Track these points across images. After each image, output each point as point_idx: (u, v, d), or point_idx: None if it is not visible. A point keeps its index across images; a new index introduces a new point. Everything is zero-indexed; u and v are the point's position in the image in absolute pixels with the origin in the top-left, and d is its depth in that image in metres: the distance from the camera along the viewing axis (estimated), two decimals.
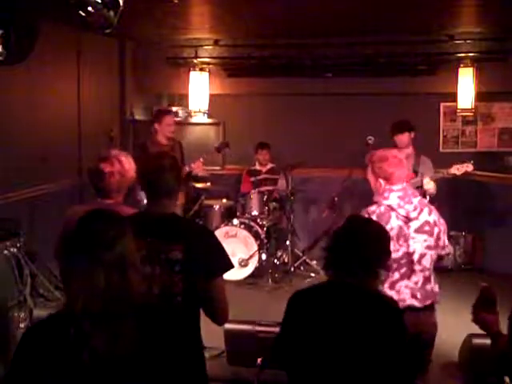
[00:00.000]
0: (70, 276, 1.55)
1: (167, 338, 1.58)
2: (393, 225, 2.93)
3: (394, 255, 2.89)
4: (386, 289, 2.92)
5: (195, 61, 6.90)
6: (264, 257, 6.20)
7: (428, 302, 2.99)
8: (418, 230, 2.95)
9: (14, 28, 3.95)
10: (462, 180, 4.80)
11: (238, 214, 6.50)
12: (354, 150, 6.36)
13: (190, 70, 6.88)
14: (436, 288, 3.06)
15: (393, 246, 2.88)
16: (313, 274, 6.28)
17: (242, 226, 6.14)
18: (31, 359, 1.53)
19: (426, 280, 2.98)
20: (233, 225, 6.17)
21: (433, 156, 5.46)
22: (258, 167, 6.96)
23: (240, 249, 5.93)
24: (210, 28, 6.31)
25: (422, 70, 6.76)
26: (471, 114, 6.75)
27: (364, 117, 6.82)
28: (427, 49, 6.58)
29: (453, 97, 6.63)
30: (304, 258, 6.55)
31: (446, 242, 3.08)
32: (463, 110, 6.62)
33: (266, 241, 6.27)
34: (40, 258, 4.98)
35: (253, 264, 5.98)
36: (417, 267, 2.94)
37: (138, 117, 7.35)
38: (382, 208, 2.97)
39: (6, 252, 4.65)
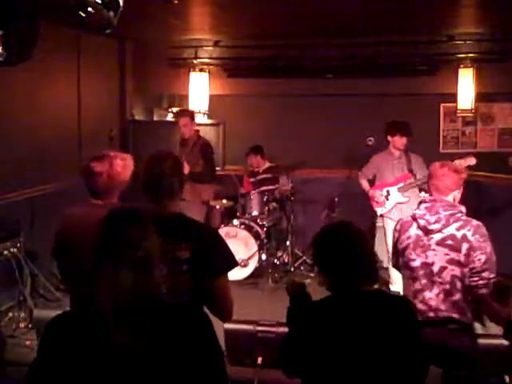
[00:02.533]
0: (97, 275, 1.53)
1: (187, 336, 1.58)
2: (411, 233, 2.94)
3: (413, 264, 2.93)
4: (410, 297, 2.88)
5: (195, 61, 6.91)
6: (264, 257, 6.20)
7: (454, 316, 2.86)
8: (440, 243, 2.88)
9: (14, 29, 3.96)
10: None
11: (238, 214, 6.50)
12: (354, 150, 6.38)
13: (190, 71, 6.89)
14: (469, 311, 2.89)
15: (410, 255, 2.93)
16: (313, 274, 6.28)
17: (242, 227, 6.14)
18: (55, 356, 1.54)
19: (448, 294, 2.86)
20: (233, 225, 6.17)
21: (433, 157, 5.44)
22: (254, 169, 6.96)
23: (240, 249, 5.93)
24: (210, 29, 6.32)
25: (422, 70, 6.76)
26: (471, 114, 6.75)
27: (364, 117, 6.82)
28: (427, 49, 6.59)
29: (453, 97, 6.63)
30: (304, 258, 6.55)
31: (486, 272, 2.86)
32: (463, 110, 6.63)
33: (266, 241, 6.27)
34: (40, 257, 4.99)
35: (253, 264, 5.99)
36: (436, 279, 2.87)
37: (138, 117, 7.36)
38: (409, 217, 3.00)
39: (6, 252, 4.66)
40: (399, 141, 5.41)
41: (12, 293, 4.88)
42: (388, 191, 5.48)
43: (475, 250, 2.85)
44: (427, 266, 2.90)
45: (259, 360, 3.43)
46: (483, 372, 2.92)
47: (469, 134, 7.08)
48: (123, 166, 2.78)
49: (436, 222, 2.88)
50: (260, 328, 3.75)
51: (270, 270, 6.12)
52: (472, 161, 4.71)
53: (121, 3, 3.04)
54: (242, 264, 5.88)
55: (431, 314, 2.89)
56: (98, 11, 2.95)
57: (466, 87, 6.47)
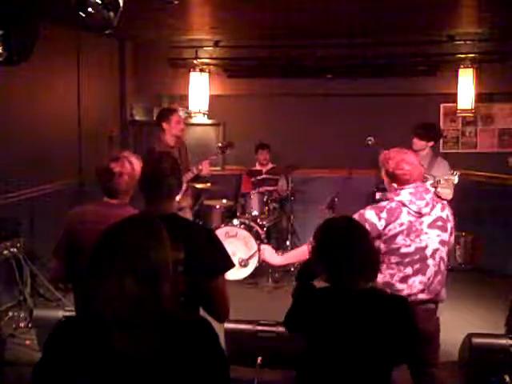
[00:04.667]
0: (100, 280, 1.51)
1: (192, 349, 1.56)
2: (403, 220, 2.95)
3: (405, 250, 2.95)
4: (396, 282, 2.95)
5: (195, 61, 6.90)
6: None
7: (433, 297, 3.01)
8: (431, 226, 2.97)
9: (15, 29, 3.97)
10: (462, 180, 4.79)
11: (238, 214, 6.50)
12: (354, 150, 6.38)
13: (190, 71, 6.89)
14: (444, 290, 3.09)
15: (404, 240, 2.95)
16: None
17: (242, 226, 6.14)
18: (59, 360, 1.53)
19: (437, 274, 2.99)
20: (233, 225, 6.17)
21: None
22: (258, 167, 6.98)
23: (240, 249, 5.93)
24: (211, 29, 6.31)
25: (422, 70, 6.77)
26: (471, 114, 6.75)
27: (364, 117, 6.83)
28: (427, 50, 6.59)
29: (453, 97, 6.63)
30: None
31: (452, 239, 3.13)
32: (463, 110, 6.62)
33: (266, 241, 6.27)
34: (40, 257, 5.00)
35: (253, 264, 5.99)
36: (430, 261, 2.96)
37: (138, 117, 7.36)
38: (394, 204, 3.00)
39: (6, 252, 4.66)
40: (416, 142, 5.34)
41: (12, 293, 4.88)
42: None
43: (453, 234, 3.07)
44: (422, 250, 2.96)
45: (259, 360, 3.44)
46: (483, 371, 2.94)
47: (469, 134, 7.08)
48: (139, 165, 2.83)
49: (426, 205, 2.97)
50: (260, 328, 3.76)
51: (269, 270, 6.12)
52: (455, 179, 4.54)
53: (121, 3, 3.04)
54: (242, 264, 5.89)
55: (418, 297, 2.95)
56: (98, 11, 2.96)
57: (466, 87, 6.47)
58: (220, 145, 5.97)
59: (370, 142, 5.71)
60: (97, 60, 6.43)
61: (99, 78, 6.62)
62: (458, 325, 4.25)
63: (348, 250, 2.20)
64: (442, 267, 3.02)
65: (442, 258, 3.00)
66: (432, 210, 2.99)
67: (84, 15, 2.97)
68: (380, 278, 2.95)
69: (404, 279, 2.95)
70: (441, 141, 7.07)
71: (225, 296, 2.39)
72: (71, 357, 1.51)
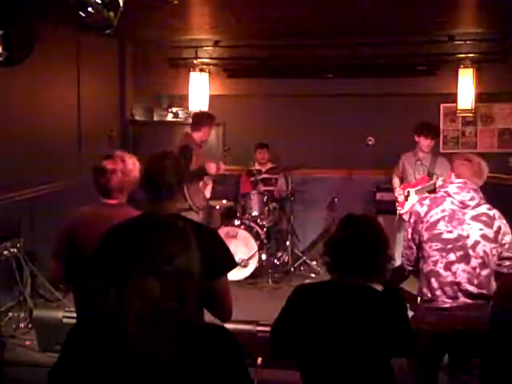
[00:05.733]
0: (124, 281, 1.49)
1: (211, 357, 1.53)
2: (445, 207, 2.99)
3: (448, 235, 2.95)
4: (440, 269, 2.93)
5: (195, 61, 6.91)
6: (264, 257, 6.20)
7: (484, 292, 2.93)
8: (474, 218, 2.96)
9: (15, 29, 3.96)
10: None
11: (238, 214, 6.50)
12: (354, 150, 6.38)
13: (190, 71, 6.89)
14: (493, 286, 2.99)
15: (445, 226, 2.96)
16: (313, 275, 6.28)
17: (243, 227, 6.14)
18: (74, 363, 1.53)
19: (483, 267, 2.93)
20: (233, 225, 6.17)
21: None
22: (257, 167, 6.97)
23: (240, 249, 5.93)
24: (210, 29, 6.32)
25: (422, 70, 6.76)
26: (471, 114, 6.76)
27: (364, 117, 6.82)
28: (427, 49, 6.59)
29: (453, 97, 6.64)
30: (304, 258, 6.56)
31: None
32: (463, 110, 6.63)
33: (266, 241, 6.27)
34: (40, 257, 4.99)
35: (253, 264, 5.99)
36: (471, 252, 2.92)
37: (138, 117, 7.36)
38: (439, 194, 3.08)
39: (6, 253, 4.66)
40: (423, 142, 5.38)
41: (12, 293, 4.88)
42: (408, 192, 5.50)
43: (504, 234, 2.98)
44: (464, 238, 2.93)
45: (259, 360, 3.44)
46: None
47: (469, 134, 7.08)
48: (134, 163, 2.82)
49: (471, 199, 2.99)
50: (260, 328, 3.76)
51: (269, 270, 6.12)
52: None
53: (121, 3, 3.04)
54: (242, 264, 5.88)
55: (467, 287, 2.91)
56: (98, 11, 2.95)
57: (466, 87, 6.47)
58: (225, 148, 6.26)
59: (370, 142, 5.71)
60: (97, 60, 6.42)
61: (99, 77, 6.62)
62: None
63: (353, 247, 2.23)
64: (488, 262, 2.94)
65: (486, 253, 2.92)
66: (478, 205, 2.99)
67: (84, 15, 2.97)
68: (425, 268, 2.98)
69: (447, 266, 2.92)
70: (441, 141, 7.08)
71: (228, 295, 2.41)
72: (87, 357, 1.50)
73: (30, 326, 4.51)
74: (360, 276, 2.24)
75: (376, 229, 2.34)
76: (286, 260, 6.51)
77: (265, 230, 6.31)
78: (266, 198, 6.43)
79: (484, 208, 3.01)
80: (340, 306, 2.20)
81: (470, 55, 6.48)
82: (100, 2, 2.92)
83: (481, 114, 6.95)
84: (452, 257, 2.93)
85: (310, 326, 2.20)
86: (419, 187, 5.42)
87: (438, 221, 2.98)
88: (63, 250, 2.78)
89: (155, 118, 7.41)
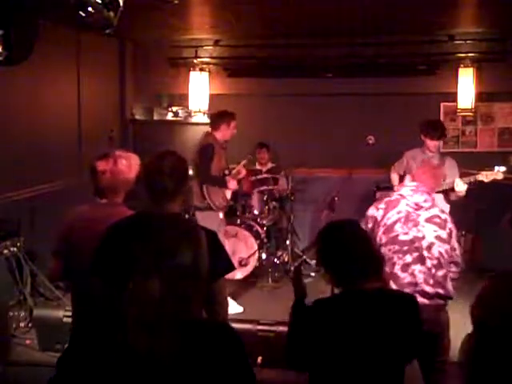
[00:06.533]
0: (125, 281, 1.48)
1: (213, 356, 1.52)
2: (401, 209, 3.08)
3: (404, 237, 3.02)
4: (398, 271, 2.99)
5: (195, 61, 6.90)
6: (264, 256, 6.20)
7: (440, 291, 3.02)
8: (428, 220, 3.07)
9: (15, 28, 3.96)
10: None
11: (238, 213, 6.50)
12: (354, 150, 6.38)
13: (190, 70, 6.89)
14: (450, 286, 3.10)
15: (401, 228, 3.03)
16: (313, 274, 6.27)
17: (243, 226, 6.14)
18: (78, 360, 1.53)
19: (439, 268, 3.02)
20: (233, 224, 6.17)
21: None
22: (258, 167, 6.98)
23: (240, 248, 5.93)
24: (210, 28, 6.32)
25: (422, 70, 6.76)
26: (471, 114, 6.76)
27: (364, 117, 6.82)
28: (427, 49, 6.59)
29: (453, 97, 6.64)
30: (304, 257, 6.56)
31: (457, 250, 3.16)
32: (463, 109, 6.63)
33: (266, 240, 6.27)
34: (40, 257, 4.99)
35: (253, 263, 5.99)
36: (426, 254, 3.01)
37: (138, 117, 7.36)
38: (393, 197, 3.20)
39: (6, 252, 4.66)
40: (430, 143, 5.34)
41: (12, 292, 4.88)
42: None
43: (454, 238, 3.13)
44: (419, 240, 3.02)
45: (259, 359, 3.44)
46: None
47: (469, 133, 7.08)
48: (127, 165, 2.80)
49: (425, 201, 3.11)
50: (260, 327, 3.76)
51: (269, 270, 6.12)
52: (499, 175, 4.75)
53: (121, 3, 3.04)
54: (242, 263, 5.89)
55: (424, 288, 2.98)
56: (98, 11, 2.95)
57: (466, 87, 6.47)
58: (249, 157, 6.12)
59: (370, 141, 5.70)
60: (97, 60, 6.42)
61: (99, 77, 6.61)
62: (458, 325, 4.24)
63: (350, 253, 2.21)
64: (444, 262, 3.04)
65: (441, 254, 3.03)
66: (431, 207, 3.10)
67: (84, 15, 2.97)
68: (385, 271, 2.97)
69: (404, 267, 2.99)
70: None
71: (224, 297, 2.44)
72: (87, 358, 1.50)
73: (30, 325, 4.51)
74: (367, 279, 2.19)
75: (360, 229, 2.35)
76: (285, 259, 6.51)
77: (265, 229, 6.31)
78: (266, 197, 6.43)
79: (436, 210, 3.12)
80: (362, 315, 2.14)
81: (470, 55, 6.48)
82: (100, 1, 2.92)
83: (481, 113, 6.95)
84: (408, 258, 3.00)
85: (334, 338, 2.12)
86: None
87: (394, 222, 3.06)
88: (62, 249, 2.79)
89: (155, 118, 7.42)
